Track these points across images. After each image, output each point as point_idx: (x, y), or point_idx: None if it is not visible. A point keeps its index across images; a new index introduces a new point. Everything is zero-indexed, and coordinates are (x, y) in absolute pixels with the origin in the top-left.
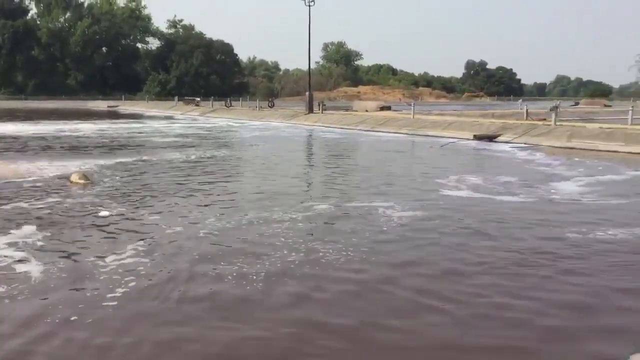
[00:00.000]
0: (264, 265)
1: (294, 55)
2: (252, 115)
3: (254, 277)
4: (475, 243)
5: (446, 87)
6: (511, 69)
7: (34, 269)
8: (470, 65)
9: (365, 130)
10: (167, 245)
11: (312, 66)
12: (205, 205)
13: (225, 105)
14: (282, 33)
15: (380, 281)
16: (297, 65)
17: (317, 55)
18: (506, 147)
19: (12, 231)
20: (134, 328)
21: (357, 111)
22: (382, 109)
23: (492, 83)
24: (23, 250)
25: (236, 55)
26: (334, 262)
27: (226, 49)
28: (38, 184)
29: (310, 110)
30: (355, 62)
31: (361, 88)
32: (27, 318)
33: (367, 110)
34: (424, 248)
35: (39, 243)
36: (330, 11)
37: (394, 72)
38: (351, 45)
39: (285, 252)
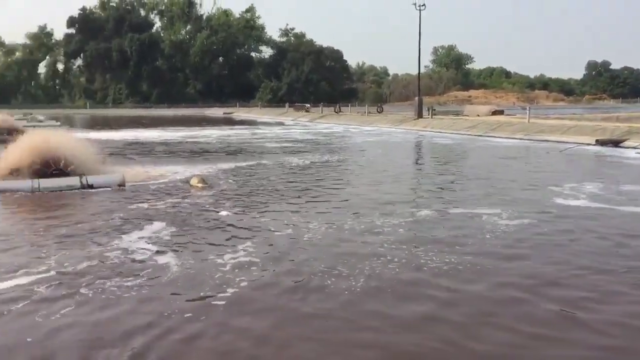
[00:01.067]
0: (363, 271)
1: (403, 60)
2: (361, 121)
3: (353, 283)
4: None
5: (564, 89)
6: (638, 69)
7: (169, 261)
8: (591, 65)
9: (476, 135)
10: (277, 246)
11: (422, 70)
12: (314, 209)
13: (335, 111)
14: (391, 38)
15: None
16: (406, 70)
17: (426, 60)
18: (632, 153)
19: (145, 227)
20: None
21: (468, 116)
22: (495, 113)
23: (616, 84)
24: (156, 244)
25: (345, 61)
26: (435, 269)
27: (336, 56)
28: (162, 187)
29: (420, 115)
30: (466, 66)
31: (472, 92)
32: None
33: (478, 115)
34: (523, 260)
35: (167, 238)
36: (440, 14)
37: (507, 74)
38: (462, 49)
39: (388, 257)
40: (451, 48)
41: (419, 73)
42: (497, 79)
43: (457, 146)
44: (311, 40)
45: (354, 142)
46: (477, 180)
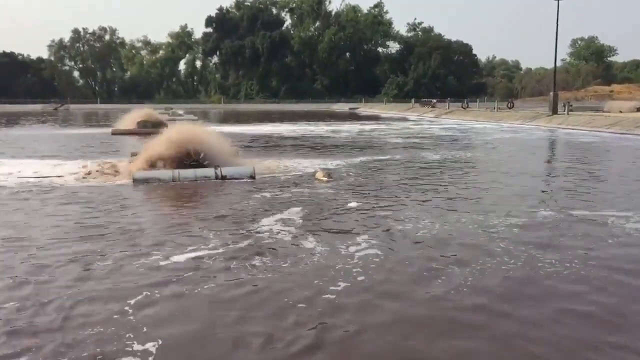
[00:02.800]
0: (474, 270)
1: (537, 54)
2: (490, 117)
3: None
4: None
5: None
6: None
7: (309, 245)
8: None
9: (618, 133)
10: (398, 238)
11: (558, 64)
12: (430, 203)
13: (462, 107)
14: (525, 30)
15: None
16: (540, 64)
17: (563, 52)
18: None
19: (284, 212)
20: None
21: (609, 112)
22: None
23: None
24: (294, 227)
25: (475, 55)
26: (554, 274)
27: (464, 50)
28: (289, 179)
29: (555, 111)
30: (608, 58)
31: (614, 87)
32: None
33: (621, 111)
34: None
35: (303, 223)
36: (580, 3)
37: None
38: (604, 40)
39: (505, 258)
40: (592, 40)
41: (554, 66)
42: None
43: (594, 145)
44: (439, 35)
45: (480, 138)
46: (607, 181)
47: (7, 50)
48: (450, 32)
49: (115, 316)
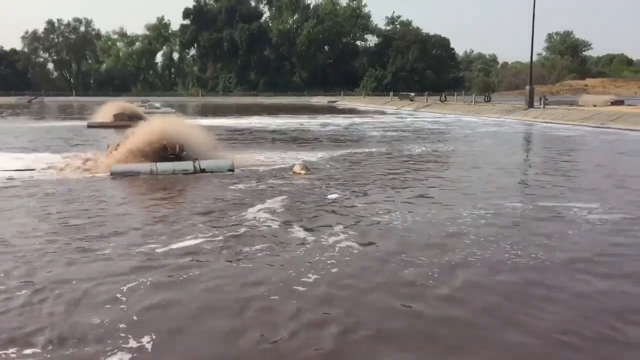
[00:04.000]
0: (451, 260)
1: (513, 48)
2: (467, 110)
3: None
4: None
5: None
6: None
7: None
8: None
9: (592, 127)
10: (375, 230)
11: (534, 58)
12: (402, 196)
13: (440, 100)
14: (501, 25)
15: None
16: (517, 58)
17: (539, 47)
18: None
19: (264, 203)
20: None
21: (583, 106)
22: (614, 103)
23: None
24: (275, 219)
25: (452, 49)
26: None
27: (442, 43)
28: (268, 172)
29: (531, 105)
30: (583, 53)
31: (589, 81)
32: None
33: (595, 105)
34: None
35: (284, 215)
36: None
37: (629, 62)
38: (579, 35)
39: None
40: (567, 34)
41: (531, 61)
42: (617, 67)
43: (569, 138)
44: (417, 28)
45: (457, 131)
46: (579, 173)
47: None
48: (428, 25)
49: (107, 306)
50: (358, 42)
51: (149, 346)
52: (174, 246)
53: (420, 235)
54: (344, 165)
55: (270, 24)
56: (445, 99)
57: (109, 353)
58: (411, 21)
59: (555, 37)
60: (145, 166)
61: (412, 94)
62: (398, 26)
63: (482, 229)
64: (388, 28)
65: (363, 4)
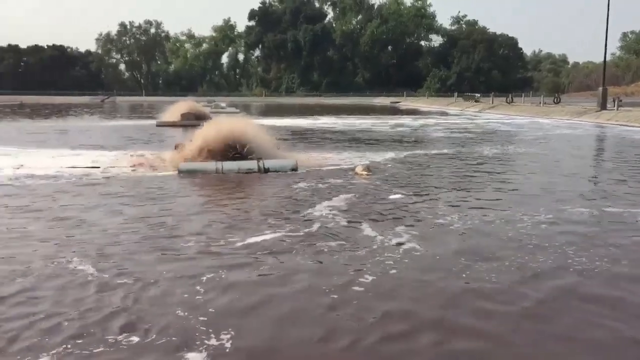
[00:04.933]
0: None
1: (585, 47)
2: (535, 112)
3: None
4: None
5: None
6: None
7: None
8: None
9: None
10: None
11: (607, 58)
12: (466, 201)
13: (506, 101)
14: (573, 24)
15: None
16: (589, 58)
17: (613, 46)
18: None
19: (330, 200)
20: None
21: None
22: None
23: None
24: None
25: (520, 49)
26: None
27: (509, 43)
28: (331, 172)
29: (604, 106)
30: None
31: None
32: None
33: None
34: None
35: (348, 214)
36: None
37: None
38: None
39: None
40: None
41: (604, 60)
42: None
43: None
44: (484, 28)
45: (524, 134)
46: None
47: (57, 44)
48: (495, 25)
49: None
50: (422, 42)
51: (228, 345)
52: (251, 240)
53: (490, 239)
54: (407, 166)
55: (334, 25)
56: (512, 100)
57: (192, 346)
58: (477, 21)
59: (630, 36)
60: (211, 165)
61: (477, 95)
62: (464, 26)
63: (558, 237)
64: (453, 28)
65: (428, 3)
